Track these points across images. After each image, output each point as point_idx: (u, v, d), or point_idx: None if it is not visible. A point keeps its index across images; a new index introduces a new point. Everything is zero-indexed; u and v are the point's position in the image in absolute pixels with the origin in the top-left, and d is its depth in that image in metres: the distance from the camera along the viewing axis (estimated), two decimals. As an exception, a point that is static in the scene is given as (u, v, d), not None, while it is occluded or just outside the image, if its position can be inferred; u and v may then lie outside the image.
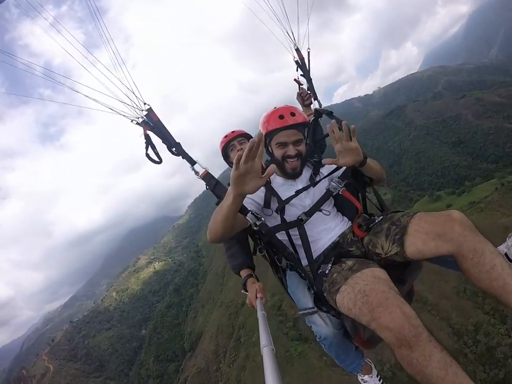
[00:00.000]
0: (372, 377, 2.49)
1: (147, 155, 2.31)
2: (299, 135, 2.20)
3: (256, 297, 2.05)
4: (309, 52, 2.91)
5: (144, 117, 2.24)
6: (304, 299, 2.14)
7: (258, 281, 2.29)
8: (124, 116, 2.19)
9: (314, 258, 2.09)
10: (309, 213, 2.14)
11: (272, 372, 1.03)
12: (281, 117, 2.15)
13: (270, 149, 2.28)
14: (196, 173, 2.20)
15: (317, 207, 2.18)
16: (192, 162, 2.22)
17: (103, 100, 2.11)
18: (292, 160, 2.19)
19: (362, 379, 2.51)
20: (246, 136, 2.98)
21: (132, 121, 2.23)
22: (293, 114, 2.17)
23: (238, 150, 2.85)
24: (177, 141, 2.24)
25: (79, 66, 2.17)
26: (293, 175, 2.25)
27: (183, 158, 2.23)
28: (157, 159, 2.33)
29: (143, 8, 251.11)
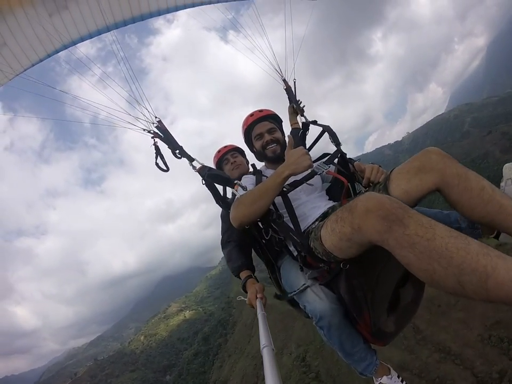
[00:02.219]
0: (391, 378, 2.14)
1: (156, 164, 2.60)
2: (271, 125, 2.61)
3: (256, 298, 2.05)
4: (295, 82, 3.21)
5: (155, 128, 2.60)
6: (297, 280, 2.07)
7: (258, 282, 2.30)
8: (140, 128, 2.62)
9: (303, 230, 2.05)
10: (292, 184, 2.15)
11: (272, 372, 1.04)
12: (251, 115, 2.66)
13: (253, 147, 2.69)
14: (194, 167, 2.44)
15: (301, 182, 2.17)
16: (191, 159, 2.47)
17: (122, 117, 2.58)
18: (270, 146, 2.55)
19: (380, 382, 2.15)
20: (238, 150, 3.29)
21: (144, 130, 2.61)
22: (260, 111, 2.67)
23: (231, 163, 3.15)
24: (180, 144, 2.56)
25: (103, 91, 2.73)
26: (275, 158, 2.52)
27: (185, 157, 2.51)
28: (164, 168, 2.62)
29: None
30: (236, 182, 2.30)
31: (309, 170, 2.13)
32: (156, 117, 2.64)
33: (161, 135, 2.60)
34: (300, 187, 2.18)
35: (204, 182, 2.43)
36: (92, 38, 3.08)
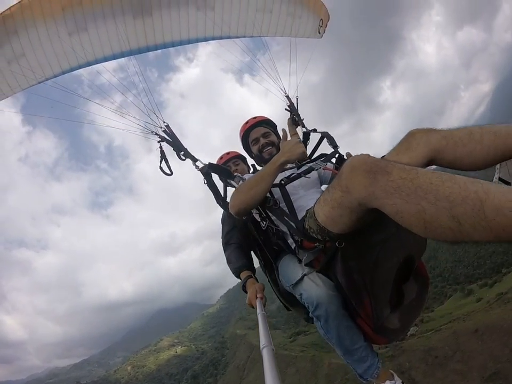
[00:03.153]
0: (395, 382, 1.95)
1: (160, 168, 2.72)
2: (265, 129, 2.76)
3: (256, 298, 2.06)
4: (297, 98, 3.31)
5: (163, 132, 2.77)
6: (294, 272, 2.02)
7: (258, 282, 2.31)
8: (149, 131, 2.79)
9: (300, 219, 2.00)
10: (290, 178, 2.18)
11: (272, 372, 1.02)
12: (246, 122, 2.83)
13: (251, 152, 2.85)
14: (197, 167, 2.59)
15: (299, 175, 2.20)
16: (194, 159, 2.65)
17: (131, 121, 2.77)
18: (266, 149, 2.69)
19: None
20: (240, 157, 3.37)
21: (152, 132, 2.76)
22: (254, 118, 2.85)
23: (234, 171, 3.12)
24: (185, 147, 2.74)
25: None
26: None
27: (189, 158, 2.68)
28: (168, 172, 2.75)
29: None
30: (236, 174, 2.50)
31: (307, 166, 2.27)
32: (164, 122, 2.80)
33: (169, 138, 2.75)
34: (298, 181, 2.23)
35: (205, 182, 2.51)
36: (107, 61, 3.18)
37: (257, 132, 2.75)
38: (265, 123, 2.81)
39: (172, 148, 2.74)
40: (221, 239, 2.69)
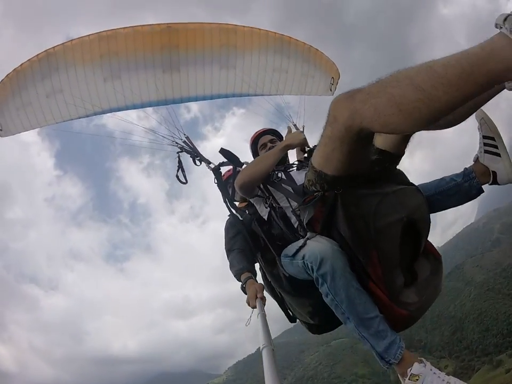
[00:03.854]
0: (425, 366, 1.58)
1: (177, 176, 3.18)
2: (272, 137, 3.04)
3: (256, 298, 2.06)
4: (303, 127, 3.61)
5: (183, 143, 3.21)
6: (295, 244, 1.98)
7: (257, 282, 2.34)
8: (170, 140, 3.27)
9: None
10: (284, 169, 2.51)
11: (272, 372, 1.03)
12: (255, 132, 3.12)
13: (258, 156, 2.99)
14: (210, 168, 2.99)
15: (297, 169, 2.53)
16: (208, 162, 3.05)
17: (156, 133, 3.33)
18: None
19: (411, 373, 1.58)
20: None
21: (173, 141, 3.20)
22: (262, 129, 3.16)
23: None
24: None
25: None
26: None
27: (203, 161, 3.10)
28: (183, 180, 3.20)
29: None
30: (244, 161, 2.83)
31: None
32: (184, 134, 3.27)
33: (188, 148, 3.18)
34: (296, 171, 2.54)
35: (215, 181, 2.89)
36: (135, 108, 3.55)
37: (265, 139, 3.02)
38: (272, 132, 3.13)
39: (190, 155, 3.16)
40: (224, 246, 2.72)
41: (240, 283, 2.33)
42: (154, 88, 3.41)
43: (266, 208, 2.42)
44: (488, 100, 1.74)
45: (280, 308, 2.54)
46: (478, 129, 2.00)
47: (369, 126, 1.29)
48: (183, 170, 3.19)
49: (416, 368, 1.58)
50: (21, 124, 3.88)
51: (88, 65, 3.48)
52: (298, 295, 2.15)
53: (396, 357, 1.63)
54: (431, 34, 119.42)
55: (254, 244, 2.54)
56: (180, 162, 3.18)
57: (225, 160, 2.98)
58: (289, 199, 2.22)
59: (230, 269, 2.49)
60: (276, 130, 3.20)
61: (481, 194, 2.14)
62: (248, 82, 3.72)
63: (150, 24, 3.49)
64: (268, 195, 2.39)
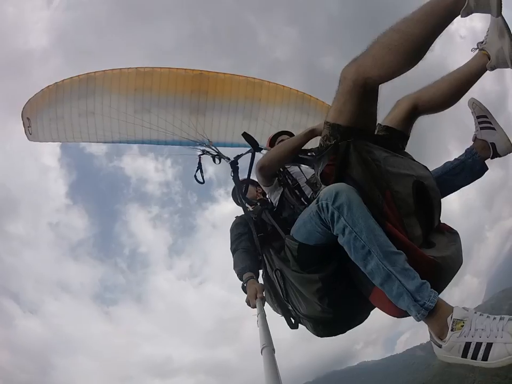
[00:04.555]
0: (468, 310, 1.37)
1: (195, 176, 3.49)
2: (288, 136, 3.07)
3: (256, 298, 2.06)
4: None
5: (206, 147, 3.57)
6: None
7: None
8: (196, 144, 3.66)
9: None
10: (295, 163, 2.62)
11: (272, 372, 1.02)
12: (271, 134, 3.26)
13: None
14: (228, 160, 3.29)
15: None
16: (227, 158, 3.35)
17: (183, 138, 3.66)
18: None
19: (454, 319, 1.34)
20: (252, 183, 3.52)
21: (196, 143, 3.61)
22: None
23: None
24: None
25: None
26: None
27: (223, 158, 3.42)
28: (201, 180, 3.52)
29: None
30: (264, 148, 2.96)
31: None
32: (208, 140, 3.67)
33: (211, 150, 3.48)
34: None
35: (232, 174, 3.03)
36: (158, 144, 3.81)
37: (282, 138, 3.09)
38: (287, 133, 3.21)
39: (210, 156, 3.47)
40: (230, 247, 2.70)
41: (242, 282, 2.34)
42: (179, 127, 3.65)
43: (279, 189, 2.55)
44: (473, 83, 2.01)
45: (281, 314, 2.35)
46: (472, 113, 2.22)
47: (371, 73, 1.57)
48: (201, 171, 3.50)
49: (458, 312, 1.35)
50: (50, 134, 4.16)
51: (122, 95, 3.77)
52: (307, 271, 1.95)
53: (430, 299, 1.36)
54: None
55: (262, 234, 2.46)
56: (199, 164, 3.50)
57: (241, 153, 3.16)
58: (303, 171, 2.52)
59: (234, 268, 2.48)
60: (291, 132, 3.27)
61: (489, 276, 2.11)
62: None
63: (185, 68, 3.77)
64: (283, 170, 2.58)
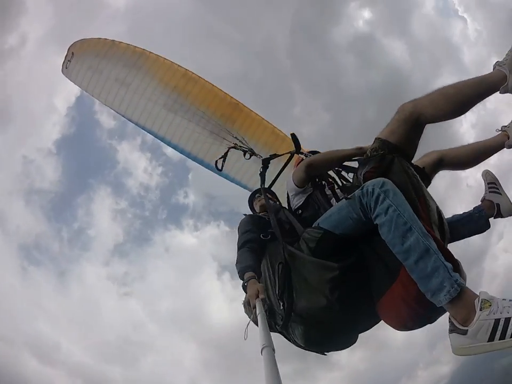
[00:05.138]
0: (493, 300, 1.39)
1: (215, 162, 3.71)
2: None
3: (256, 298, 2.02)
4: None
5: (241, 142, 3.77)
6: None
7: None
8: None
9: None
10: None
11: (272, 373, 1.02)
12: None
13: None
14: (260, 157, 3.44)
15: None
16: (259, 156, 3.55)
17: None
18: None
19: (482, 299, 1.40)
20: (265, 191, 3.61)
21: (234, 145, 3.76)
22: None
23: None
24: None
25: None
26: None
27: (253, 155, 3.67)
28: (219, 167, 3.70)
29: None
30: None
31: None
32: (236, 138, 3.86)
33: (242, 146, 3.74)
34: None
35: (260, 170, 3.17)
36: (163, 142, 4.00)
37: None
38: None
39: (242, 151, 3.69)
40: (237, 244, 2.70)
41: (242, 281, 2.31)
42: (194, 140, 3.83)
43: (308, 191, 2.68)
44: (491, 154, 2.52)
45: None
46: (484, 180, 2.71)
47: (426, 110, 1.98)
48: (224, 161, 3.71)
49: (484, 294, 1.42)
50: (82, 79, 4.30)
51: (161, 85, 3.94)
52: (326, 257, 1.95)
53: (461, 279, 1.46)
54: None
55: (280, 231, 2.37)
56: (226, 154, 3.71)
57: (277, 154, 3.37)
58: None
59: (236, 264, 2.47)
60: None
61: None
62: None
63: (226, 92, 3.97)
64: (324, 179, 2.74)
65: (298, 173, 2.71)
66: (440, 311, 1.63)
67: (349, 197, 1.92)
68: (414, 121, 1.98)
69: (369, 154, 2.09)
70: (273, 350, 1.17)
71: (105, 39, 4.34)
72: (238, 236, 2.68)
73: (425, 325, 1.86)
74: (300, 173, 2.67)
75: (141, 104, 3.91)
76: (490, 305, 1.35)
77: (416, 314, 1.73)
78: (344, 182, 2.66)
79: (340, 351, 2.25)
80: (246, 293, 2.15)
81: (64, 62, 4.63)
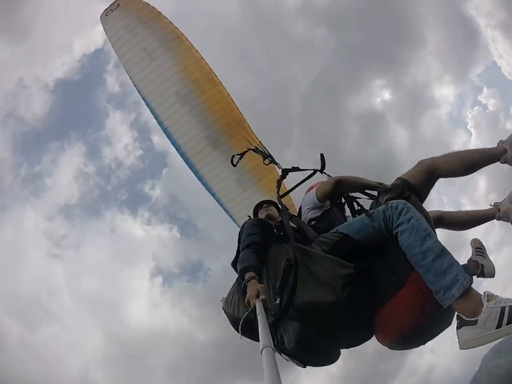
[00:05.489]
0: (497, 295, 1.70)
1: (233, 156, 3.82)
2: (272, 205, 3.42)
3: (257, 298, 1.98)
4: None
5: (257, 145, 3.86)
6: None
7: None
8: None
9: None
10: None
11: (272, 373, 1.02)
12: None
13: None
14: (279, 166, 3.58)
15: None
16: (279, 165, 3.64)
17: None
18: None
19: (488, 294, 1.70)
20: (271, 203, 3.71)
21: (254, 148, 3.83)
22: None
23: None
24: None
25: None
26: None
27: (273, 163, 3.72)
28: (235, 163, 3.81)
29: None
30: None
31: None
32: (259, 142, 3.98)
33: (264, 151, 3.83)
34: None
35: (279, 178, 3.31)
36: (165, 133, 4.14)
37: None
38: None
39: (261, 155, 3.76)
40: (240, 243, 2.66)
41: (243, 281, 2.27)
42: (190, 136, 3.96)
43: (326, 206, 2.84)
44: (482, 221, 2.97)
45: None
46: (472, 246, 3.00)
47: (442, 166, 2.47)
48: (240, 158, 3.84)
49: (488, 291, 1.69)
50: (115, 34, 4.31)
51: (181, 73, 4.02)
52: (343, 257, 2.08)
53: (470, 277, 1.75)
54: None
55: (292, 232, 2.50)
56: (244, 152, 3.83)
57: (299, 167, 3.45)
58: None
59: (238, 263, 2.47)
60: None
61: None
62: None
63: (237, 106, 4.10)
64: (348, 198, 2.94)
65: (325, 187, 2.88)
66: (440, 325, 2.01)
67: (370, 211, 2.21)
68: (431, 173, 2.48)
69: (390, 187, 2.48)
70: (273, 350, 1.18)
71: (154, 7, 4.38)
72: (241, 236, 2.66)
73: (418, 344, 2.14)
74: (328, 186, 2.86)
75: (157, 81, 3.94)
76: (495, 298, 1.62)
77: (417, 324, 1.94)
78: (359, 207, 2.85)
79: (320, 367, 2.40)
80: (246, 293, 2.12)
81: (107, 8, 4.60)
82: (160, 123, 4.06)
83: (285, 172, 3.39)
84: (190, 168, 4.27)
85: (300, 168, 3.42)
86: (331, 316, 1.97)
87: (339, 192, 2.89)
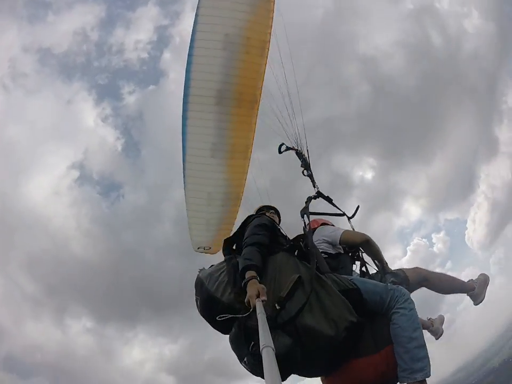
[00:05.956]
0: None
1: (280, 145, 4.18)
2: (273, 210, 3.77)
3: (257, 298, 1.98)
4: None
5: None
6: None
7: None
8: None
9: None
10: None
11: (272, 372, 1.02)
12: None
13: None
14: (315, 186, 3.92)
15: None
16: (316, 185, 3.96)
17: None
18: None
19: None
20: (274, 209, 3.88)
21: (299, 152, 4.18)
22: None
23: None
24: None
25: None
26: None
27: (308, 169, 4.08)
28: (281, 150, 4.18)
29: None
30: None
31: None
32: (297, 143, 4.23)
33: (306, 159, 4.16)
34: None
35: (313, 198, 3.68)
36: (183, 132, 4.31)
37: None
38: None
39: (301, 162, 4.12)
40: (246, 238, 2.63)
41: (244, 280, 2.23)
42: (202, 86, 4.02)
43: (341, 250, 3.22)
44: (461, 293, 3.47)
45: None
46: (433, 321, 3.53)
47: (432, 280, 3.19)
48: (287, 150, 4.17)
49: None
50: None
51: (243, 31, 3.97)
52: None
53: (430, 371, 2.17)
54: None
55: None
56: (291, 147, 4.12)
57: (333, 201, 3.85)
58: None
59: (241, 257, 2.43)
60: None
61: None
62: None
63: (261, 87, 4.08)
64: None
65: (354, 237, 3.29)
66: None
67: (389, 284, 2.54)
68: (422, 280, 3.14)
69: (396, 272, 3.06)
70: (273, 349, 1.17)
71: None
72: (251, 227, 2.67)
73: None
74: (357, 239, 3.26)
75: (224, 12, 3.91)
76: None
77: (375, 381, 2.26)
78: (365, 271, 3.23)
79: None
80: (246, 291, 2.15)
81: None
82: (191, 48, 3.91)
83: (319, 195, 3.80)
84: (183, 102, 4.12)
85: (333, 201, 3.82)
86: (322, 346, 2.12)
87: (362, 249, 3.26)
